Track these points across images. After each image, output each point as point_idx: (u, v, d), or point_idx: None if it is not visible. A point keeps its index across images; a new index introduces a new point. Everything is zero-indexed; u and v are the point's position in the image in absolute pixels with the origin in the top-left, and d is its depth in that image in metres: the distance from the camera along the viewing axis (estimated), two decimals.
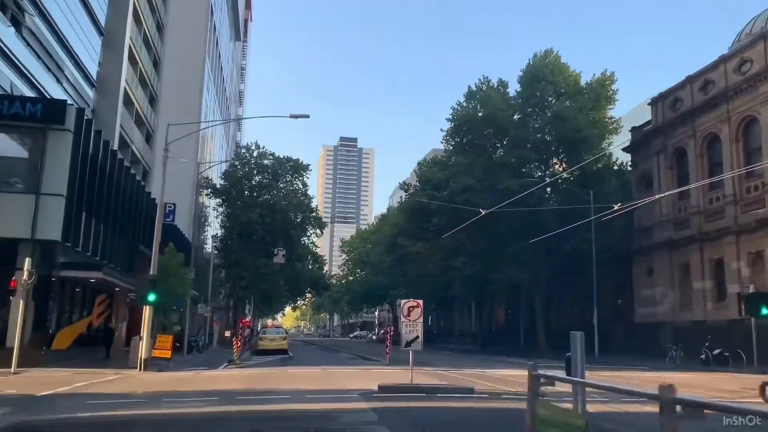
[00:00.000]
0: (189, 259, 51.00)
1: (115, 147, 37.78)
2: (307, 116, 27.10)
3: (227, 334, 64.15)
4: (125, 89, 42.90)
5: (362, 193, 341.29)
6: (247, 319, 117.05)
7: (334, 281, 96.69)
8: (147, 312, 22.03)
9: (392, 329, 37.77)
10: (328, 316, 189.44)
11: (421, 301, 15.76)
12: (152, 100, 54.14)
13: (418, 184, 49.44)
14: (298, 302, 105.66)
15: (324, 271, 67.15)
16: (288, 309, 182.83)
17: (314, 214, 65.51)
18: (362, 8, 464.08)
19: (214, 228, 68.58)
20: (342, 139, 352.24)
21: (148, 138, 53.03)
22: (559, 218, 39.84)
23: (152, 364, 24.37)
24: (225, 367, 25.03)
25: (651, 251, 39.18)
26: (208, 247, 66.93)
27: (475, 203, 41.70)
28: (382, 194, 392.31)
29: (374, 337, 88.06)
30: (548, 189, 40.66)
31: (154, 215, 44.52)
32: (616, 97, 45.33)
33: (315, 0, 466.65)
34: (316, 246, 68.42)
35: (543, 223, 39.53)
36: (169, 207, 24.76)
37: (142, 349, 21.79)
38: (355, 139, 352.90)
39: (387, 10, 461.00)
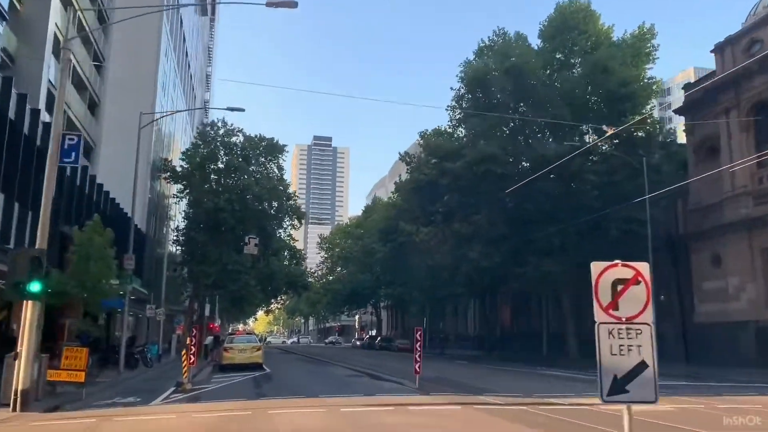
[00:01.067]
0: (141, 251, 42.14)
1: (40, 107, 29.05)
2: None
3: (209, 337, 55.18)
4: (55, 34, 33.77)
5: (337, 194, 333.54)
6: (216, 324, 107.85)
7: (313, 280, 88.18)
8: (28, 311, 13.23)
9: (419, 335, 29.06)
10: (303, 321, 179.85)
11: (644, 266, 6.01)
12: (99, 66, 44.80)
13: (422, 155, 41.04)
14: (273, 305, 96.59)
15: (304, 268, 58.33)
16: (260, 313, 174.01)
17: (292, 202, 56.76)
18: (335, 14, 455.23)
19: (177, 221, 59.39)
20: (316, 138, 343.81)
21: (93, 107, 43.64)
22: (601, 195, 31.88)
23: (52, 395, 15.59)
24: (166, 399, 16.22)
25: (718, 234, 31.36)
26: (175, 243, 57.76)
27: (496, 177, 33.55)
28: (357, 195, 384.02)
29: (358, 342, 79.37)
30: (589, 157, 32.55)
31: (93, 196, 35.81)
32: (655, 55, 37.61)
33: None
34: (293, 240, 59.59)
35: (581, 201, 31.55)
36: (71, 139, 15.49)
37: (19, 375, 12.97)
38: (329, 138, 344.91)
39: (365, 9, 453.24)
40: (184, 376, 18.66)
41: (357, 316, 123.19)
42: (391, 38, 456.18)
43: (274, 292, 58.56)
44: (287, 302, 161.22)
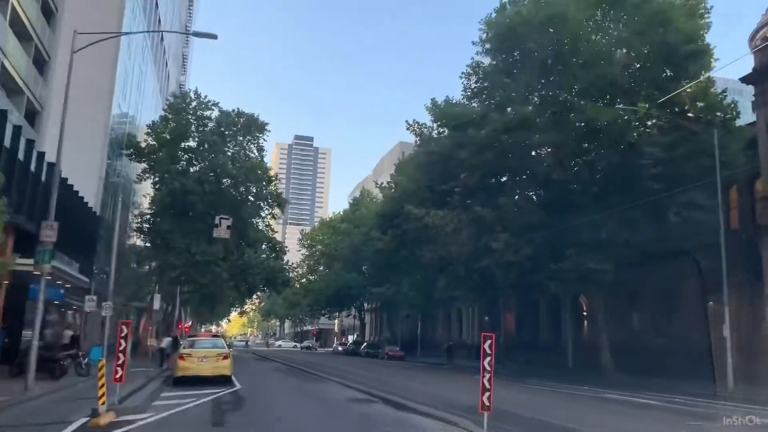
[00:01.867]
0: (89, 233, 34.98)
1: None
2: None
3: (152, 342, 47.81)
4: None
5: (317, 195, 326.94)
6: (186, 325, 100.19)
7: (294, 277, 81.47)
8: None
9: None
10: (278, 323, 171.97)
11: None
12: (48, 13, 37.64)
13: (432, 126, 34.24)
14: (248, 304, 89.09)
15: (285, 263, 51.36)
16: (235, 314, 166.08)
17: (272, 187, 49.90)
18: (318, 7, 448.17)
19: (142, 206, 52.16)
20: (297, 137, 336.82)
21: (40, 64, 36.44)
22: (662, 174, 25.68)
23: None
24: None
25: None
26: (138, 232, 50.54)
27: (526, 152, 27.12)
28: (337, 197, 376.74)
29: (340, 348, 72.45)
30: (645, 129, 26.27)
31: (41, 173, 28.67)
32: (708, 18, 31.60)
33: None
34: (273, 231, 52.68)
35: (638, 181, 25.34)
36: None
37: None
38: (311, 138, 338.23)
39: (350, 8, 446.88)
40: (101, 401, 11.87)
41: (337, 320, 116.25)
42: (377, 44, 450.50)
43: (250, 289, 51.53)
44: (263, 303, 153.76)
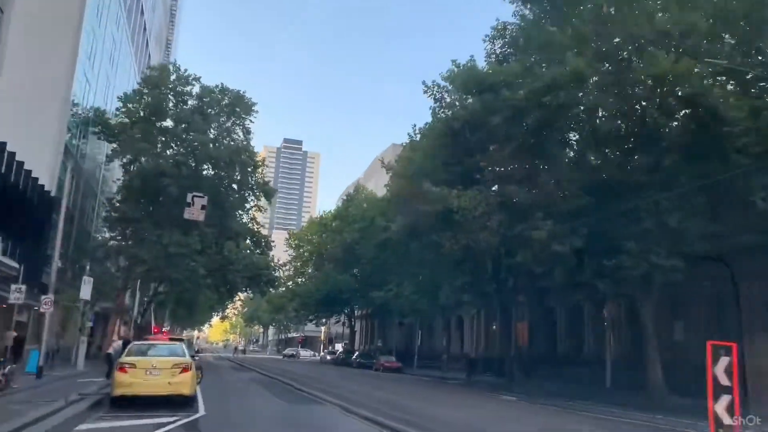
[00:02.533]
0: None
1: None
2: None
3: (115, 342, 41.56)
4: None
5: (305, 200, 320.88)
6: (163, 329, 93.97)
7: (280, 276, 75.72)
8: None
9: None
10: (261, 330, 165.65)
11: None
12: None
13: (450, 92, 28.48)
14: (228, 306, 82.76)
15: (270, 259, 45.52)
16: (216, 319, 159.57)
17: (258, 176, 44.27)
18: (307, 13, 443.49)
19: (110, 191, 46.20)
20: (286, 140, 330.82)
21: None
22: (752, 145, 20.35)
23: None
24: None
25: None
26: (105, 222, 44.60)
27: (571, 119, 21.81)
28: (325, 203, 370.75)
29: (328, 357, 66.55)
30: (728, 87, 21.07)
31: None
32: None
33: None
34: (258, 224, 46.95)
35: (722, 155, 20.11)
36: None
37: None
38: (300, 142, 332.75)
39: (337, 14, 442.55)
40: None
41: (324, 327, 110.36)
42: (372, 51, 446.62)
43: (230, 290, 45.70)
44: (245, 308, 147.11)
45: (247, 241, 43.89)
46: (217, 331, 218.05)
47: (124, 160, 39.66)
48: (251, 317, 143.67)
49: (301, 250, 73.06)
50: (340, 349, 65.88)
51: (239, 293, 51.88)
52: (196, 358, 18.82)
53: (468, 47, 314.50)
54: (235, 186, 42.86)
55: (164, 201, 39.29)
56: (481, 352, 51.12)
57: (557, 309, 42.85)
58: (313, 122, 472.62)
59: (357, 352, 57.06)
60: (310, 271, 75.09)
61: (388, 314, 61.07)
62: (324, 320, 77.91)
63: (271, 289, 48.20)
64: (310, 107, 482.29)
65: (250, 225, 44.66)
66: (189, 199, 28.38)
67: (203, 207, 28.06)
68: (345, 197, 65.89)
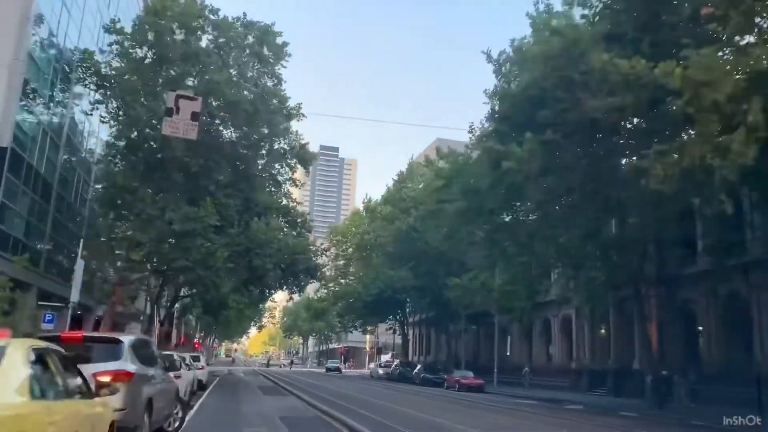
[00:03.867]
0: None
1: None
2: None
3: None
4: None
5: (342, 206, 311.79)
6: (195, 342, 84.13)
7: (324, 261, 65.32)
8: None
9: None
10: (301, 341, 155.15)
11: None
12: None
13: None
14: (262, 313, 72.38)
15: (311, 242, 34.87)
16: (254, 330, 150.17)
17: (294, 134, 33.87)
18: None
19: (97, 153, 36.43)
20: (322, 147, 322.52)
21: None
22: None
23: None
24: None
25: None
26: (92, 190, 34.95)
27: None
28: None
29: (380, 371, 55.47)
30: None
31: None
32: None
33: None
34: (293, 200, 36.41)
35: None
36: None
37: None
38: (336, 149, 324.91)
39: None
40: None
41: (368, 337, 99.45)
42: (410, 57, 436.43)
43: (260, 283, 35.00)
44: (283, 318, 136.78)
45: (280, 219, 33.35)
46: (256, 343, 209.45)
47: (112, 108, 29.60)
48: (290, 328, 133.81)
49: (345, 247, 62.50)
50: (395, 362, 54.70)
51: (273, 291, 40.90)
52: (155, 377, 8.02)
53: None
54: (262, 143, 32.41)
55: (166, 163, 29.12)
56: (585, 363, 39.55)
57: (699, 303, 31.38)
58: (348, 129, 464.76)
59: (419, 366, 45.86)
60: (352, 269, 64.47)
61: (449, 318, 49.96)
62: (371, 328, 66.82)
63: (312, 281, 37.10)
64: (344, 113, 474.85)
65: (279, 198, 34.18)
66: (170, 103, 17.46)
67: (195, 117, 17.19)
68: (396, 179, 54.92)
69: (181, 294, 52.89)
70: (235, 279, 33.49)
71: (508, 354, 51.68)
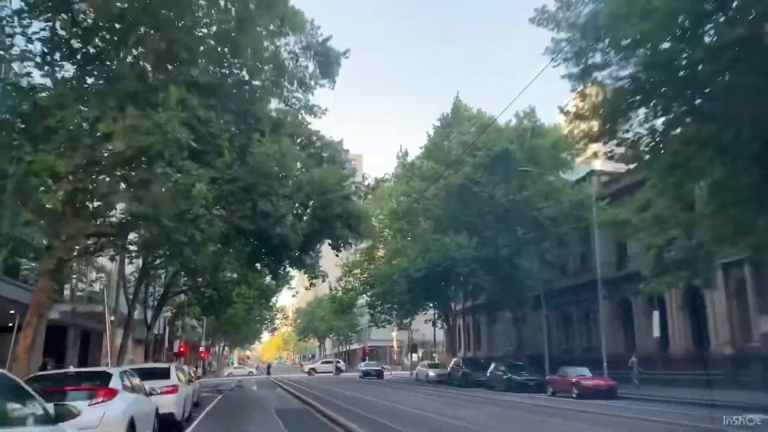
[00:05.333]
0: None
1: None
2: None
3: None
4: None
5: None
6: (202, 351, 72.80)
7: (346, 270, 52.58)
8: None
9: None
10: (317, 343, 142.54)
11: None
12: None
13: None
14: (276, 304, 60.07)
15: (350, 171, 22.32)
16: (266, 335, 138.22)
17: (310, 24, 21.74)
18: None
19: None
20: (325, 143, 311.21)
21: None
22: None
23: None
24: None
25: None
26: None
27: None
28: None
29: (431, 372, 43.10)
30: None
31: None
32: None
33: None
34: (314, 109, 23.76)
35: None
36: None
37: None
38: (340, 142, 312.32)
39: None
40: None
41: (395, 334, 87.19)
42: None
43: (272, 248, 22.28)
44: (297, 320, 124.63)
45: (295, 144, 21.02)
46: (270, 349, 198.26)
47: None
48: (305, 329, 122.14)
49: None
50: (454, 360, 42.05)
51: (291, 267, 27.52)
52: None
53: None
54: (264, 32, 20.18)
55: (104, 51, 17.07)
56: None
57: None
58: (351, 122, 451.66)
59: (494, 365, 33.17)
60: (381, 255, 52.26)
61: (515, 301, 37.91)
62: (407, 321, 54.38)
63: (356, 239, 23.54)
64: (347, 106, 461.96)
65: (291, 111, 21.78)
66: None
67: None
68: (438, 123, 42.34)
69: (174, 289, 41.58)
70: (231, 246, 21.48)
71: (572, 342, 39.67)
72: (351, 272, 54.64)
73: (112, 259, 25.16)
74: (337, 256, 25.64)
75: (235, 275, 37.28)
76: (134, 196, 15.97)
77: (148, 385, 12.47)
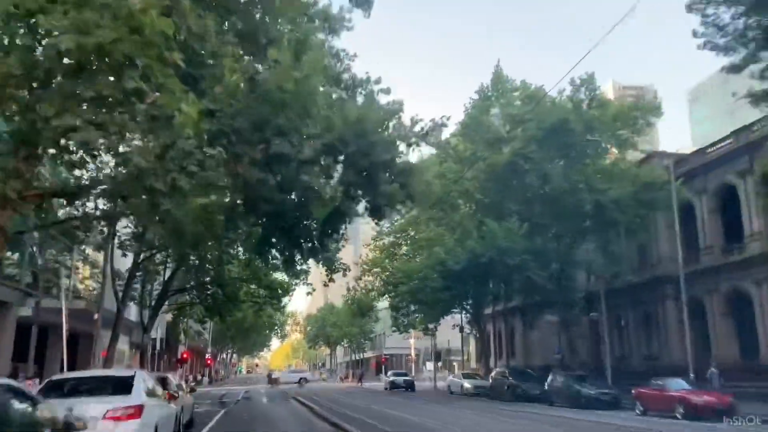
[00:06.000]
0: None
1: None
2: None
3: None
4: None
5: None
6: (207, 357, 68.64)
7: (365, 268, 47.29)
8: None
9: None
10: (328, 351, 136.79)
11: None
12: None
13: None
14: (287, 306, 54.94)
15: (395, 109, 17.17)
16: (275, 342, 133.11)
17: None
18: None
19: None
20: None
21: None
22: None
23: None
24: None
25: None
26: None
27: None
28: None
29: (467, 384, 37.53)
30: None
31: None
32: None
33: None
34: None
35: None
36: None
37: None
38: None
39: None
40: None
41: (412, 341, 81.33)
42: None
43: (291, 231, 16.93)
44: (308, 327, 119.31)
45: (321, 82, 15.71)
46: (279, 356, 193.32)
47: None
48: (315, 336, 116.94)
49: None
50: (496, 369, 36.39)
51: (315, 249, 21.85)
52: None
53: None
54: None
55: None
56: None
57: None
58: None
59: (553, 375, 27.38)
60: (405, 250, 47.08)
61: (564, 304, 32.46)
62: (434, 326, 48.71)
63: (406, 202, 17.81)
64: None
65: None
66: None
67: None
68: (476, 96, 36.66)
69: (174, 287, 36.90)
70: (239, 218, 16.29)
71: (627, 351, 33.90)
72: (370, 270, 49.29)
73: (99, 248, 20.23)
74: (377, 224, 20.35)
75: (241, 269, 32.45)
76: (91, 120, 10.70)
77: (85, 405, 7.22)
